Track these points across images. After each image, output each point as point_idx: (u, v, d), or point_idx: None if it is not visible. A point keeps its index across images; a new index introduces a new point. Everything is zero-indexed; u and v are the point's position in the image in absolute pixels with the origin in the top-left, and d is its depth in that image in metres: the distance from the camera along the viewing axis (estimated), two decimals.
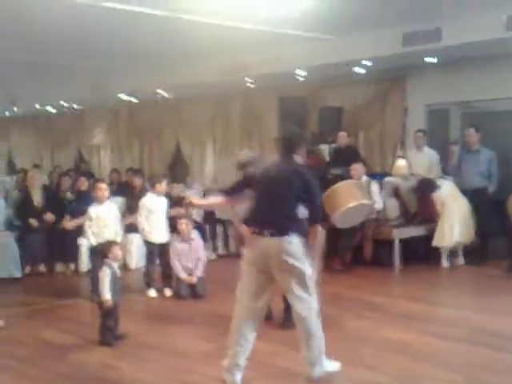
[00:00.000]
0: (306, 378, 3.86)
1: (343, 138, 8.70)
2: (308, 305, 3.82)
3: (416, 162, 8.21)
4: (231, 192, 4.34)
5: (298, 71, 8.91)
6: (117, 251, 5.01)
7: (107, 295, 4.78)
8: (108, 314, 4.82)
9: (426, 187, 7.80)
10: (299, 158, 3.96)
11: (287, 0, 6.35)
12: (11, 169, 15.32)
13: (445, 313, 5.74)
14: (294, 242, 3.78)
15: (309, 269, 3.84)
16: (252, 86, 9.81)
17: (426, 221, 7.82)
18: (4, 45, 7.98)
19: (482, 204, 7.58)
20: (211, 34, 7.47)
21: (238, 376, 3.82)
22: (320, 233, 3.97)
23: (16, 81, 11.10)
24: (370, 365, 4.15)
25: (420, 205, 7.95)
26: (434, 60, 7.99)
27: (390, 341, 4.71)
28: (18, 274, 7.56)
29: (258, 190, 3.96)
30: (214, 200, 4.99)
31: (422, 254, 7.97)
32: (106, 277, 4.81)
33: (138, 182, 8.61)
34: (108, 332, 4.82)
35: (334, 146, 8.96)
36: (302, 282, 3.80)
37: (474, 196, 7.63)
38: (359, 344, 4.64)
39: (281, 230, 3.77)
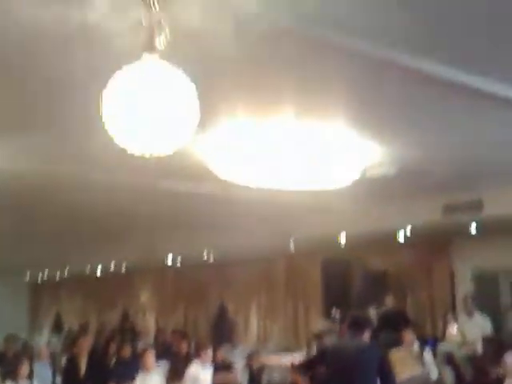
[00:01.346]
0: None
1: (390, 302, 8.60)
2: None
3: (468, 329, 7.95)
4: (307, 368, 4.43)
5: (338, 237, 9.08)
6: None
7: None
8: None
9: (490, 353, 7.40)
10: (366, 338, 4.24)
11: (332, 173, 6.62)
12: (57, 328, 15.42)
13: None
14: None
15: None
16: (295, 248, 9.98)
17: None
18: (55, 214, 8.48)
19: None
20: (256, 202, 7.77)
21: None
22: None
23: (64, 246, 11.62)
24: None
25: (481, 372, 7.51)
26: (475, 229, 7.86)
27: None
28: None
29: (335, 366, 4.14)
30: (288, 360, 4.98)
31: None
32: None
33: (184, 346, 8.53)
34: None
35: (379, 310, 8.81)
36: None
37: None
38: None
39: None
